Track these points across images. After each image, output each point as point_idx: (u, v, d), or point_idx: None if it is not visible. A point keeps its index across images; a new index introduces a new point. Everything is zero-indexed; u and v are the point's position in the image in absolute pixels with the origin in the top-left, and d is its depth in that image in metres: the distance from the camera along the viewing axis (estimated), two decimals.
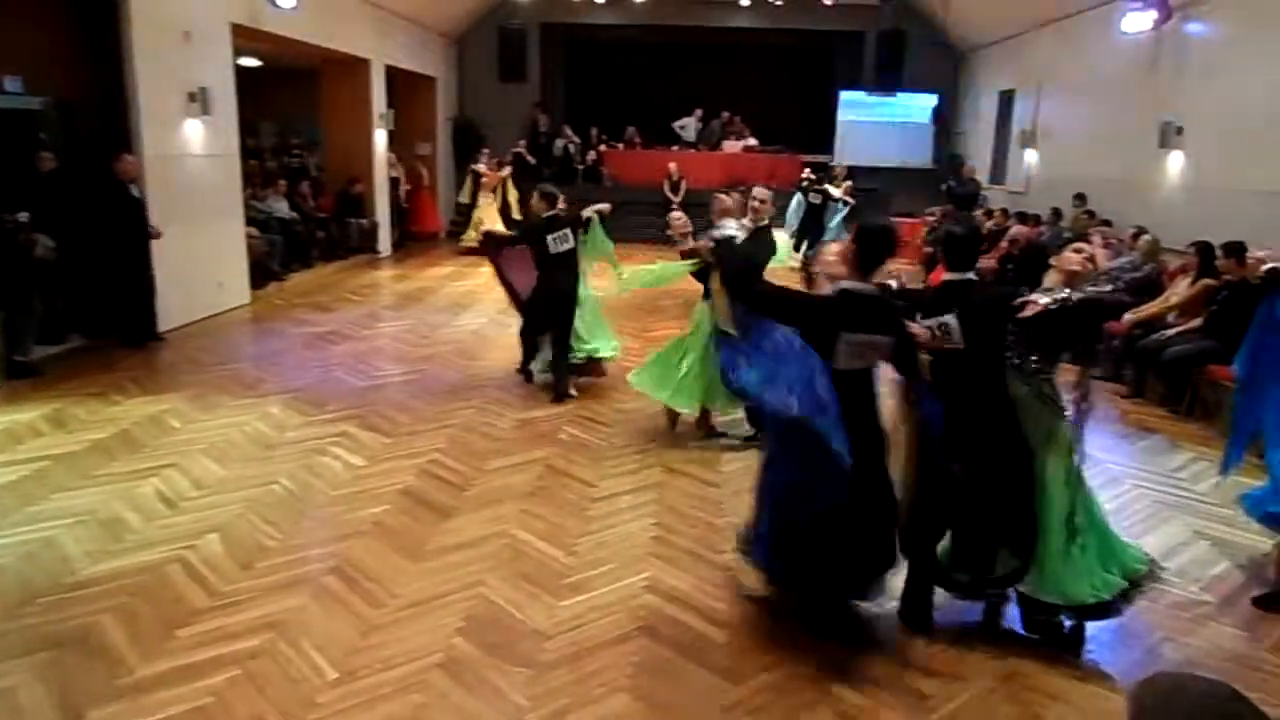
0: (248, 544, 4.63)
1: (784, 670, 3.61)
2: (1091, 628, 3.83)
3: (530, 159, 17.75)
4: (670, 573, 4.42)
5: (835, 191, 14.87)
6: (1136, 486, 5.75)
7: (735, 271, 4.32)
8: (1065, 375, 3.86)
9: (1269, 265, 4.19)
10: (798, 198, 14.52)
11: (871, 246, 3.67)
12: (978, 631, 3.90)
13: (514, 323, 7.97)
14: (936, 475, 3.74)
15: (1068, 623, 3.76)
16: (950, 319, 3.61)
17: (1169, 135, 10.26)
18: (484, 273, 13.28)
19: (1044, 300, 3.54)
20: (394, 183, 15.65)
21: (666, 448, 6.20)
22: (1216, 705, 1.24)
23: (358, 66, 14.03)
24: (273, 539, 4.70)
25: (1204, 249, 7.82)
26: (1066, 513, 3.66)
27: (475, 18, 18.31)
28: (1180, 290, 8.10)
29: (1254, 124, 8.83)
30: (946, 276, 3.79)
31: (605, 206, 7.46)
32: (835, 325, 3.60)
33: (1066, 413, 3.77)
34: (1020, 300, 3.57)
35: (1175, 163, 10.35)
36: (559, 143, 18.48)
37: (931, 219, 14.96)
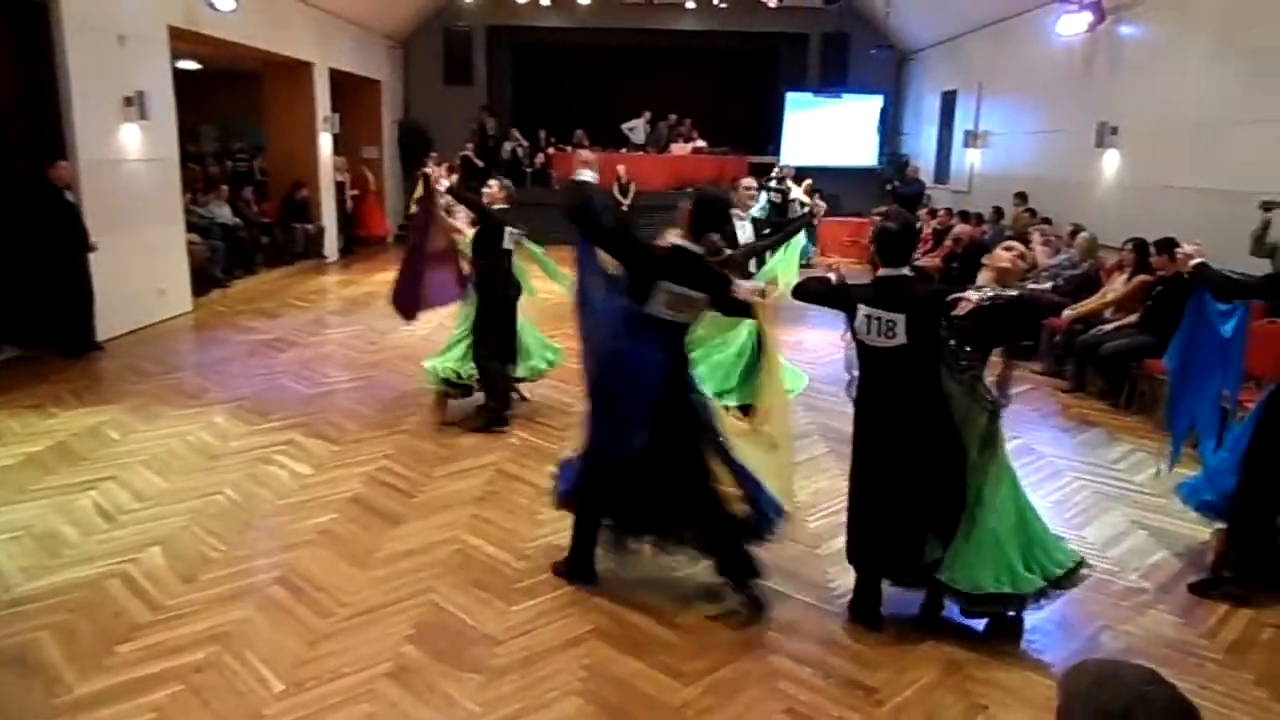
0: (191, 556, 4.54)
1: (733, 668, 3.63)
2: (1035, 618, 3.91)
3: (478, 162, 17.64)
4: (621, 575, 4.41)
5: (796, 190, 15.28)
6: (1077, 479, 5.87)
7: (579, 206, 4.42)
8: (993, 368, 3.94)
9: (1196, 260, 4.30)
10: (763, 196, 14.80)
11: (706, 213, 4.12)
12: (921, 624, 3.96)
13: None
14: (874, 474, 3.81)
15: (1009, 612, 3.83)
16: (899, 318, 3.66)
17: (1105, 135, 10.51)
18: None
19: (975, 297, 3.60)
20: (340, 187, 15.47)
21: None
22: (1137, 688, 1.28)
23: (300, 69, 13.85)
24: (217, 550, 4.62)
25: (1139, 245, 8.02)
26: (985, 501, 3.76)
27: (420, 20, 18.17)
28: (1117, 286, 8.29)
29: (1184, 123, 9.09)
30: (882, 272, 3.84)
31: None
32: (659, 273, 3.97)
33: (997, 409, 3.83)
34: (953, 297, 3.63)
35: (1111, 162, 10.61)
36: (507, 145, 18.41)
37: (878, 219, 15.20)
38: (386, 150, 17.57)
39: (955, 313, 3.60)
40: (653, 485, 4.07)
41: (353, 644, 3.76)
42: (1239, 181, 7.81)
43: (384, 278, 13.23)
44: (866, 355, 3.84)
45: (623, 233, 4.29)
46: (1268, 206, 6.59)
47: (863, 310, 3.75)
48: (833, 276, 4.04)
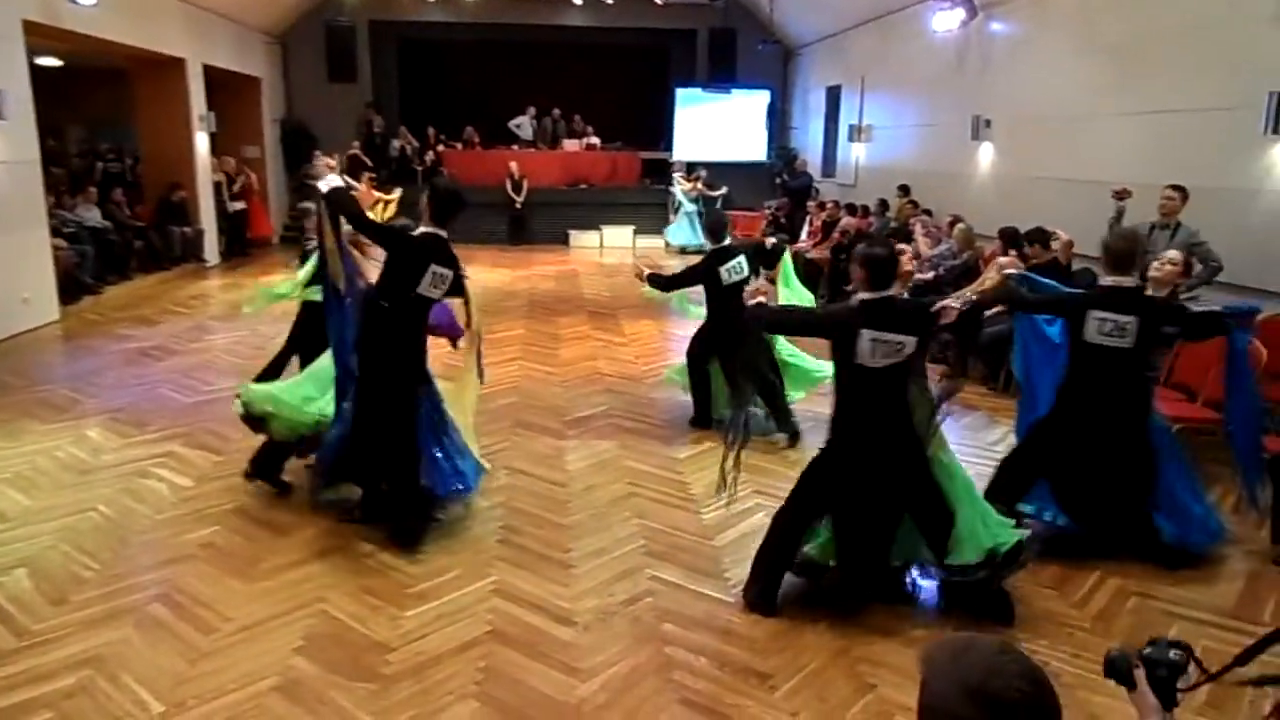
0: (60, 577, 4.31)
1: (629, 663, 3.65)
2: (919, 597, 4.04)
3: (367, 160, 17.26)
4: (517, 575, 4.39)
5: (681, 187, 15.59)
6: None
7: (336, 198, 4.56)
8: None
9: (1009, 270, 4.49)
10: (678, 191, 16.41)
11: (443, 202, 4.66)
12: (816, 609, 4.05)
13: None
14: (859, 492, 3.94)
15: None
16: (908, 339, 3.80)
17: (979, 128, 10.93)
18: None
19: (956, 304, 3.78)
20: (218, 188, 14.90)
21: (512, 449, 6.15)
22: (991, 658, 1.34)
23: (172, 66, 13.28)
24: (90, 570, 4.40)
25: (1011, 235, 8.35)
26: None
27: (299, 15, 17.62)
28: (993, 275, 8.59)
29: (1050, 117, 9.51)
30: (870, 295, 3.86)
31: None
32: (422, 257, 4.51)
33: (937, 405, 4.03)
34: (938, 306, 3.80)
35: (986, 154, 11.04)
36: (395, 143, 18.04)
37: (769, 211, 15.47)
38: (269, 149, 17.01)
39: (945, 320, 3.78)
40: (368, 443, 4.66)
41: (238, 659, 3.64)
42: (1100, 172, 8.21)
43: (270, 281, 12.86)
44: (858, 377, 3.86)
45: (375, 225, 4.73)
46: (1120, 195, 6.96)
47: (867, 335, 3.76)
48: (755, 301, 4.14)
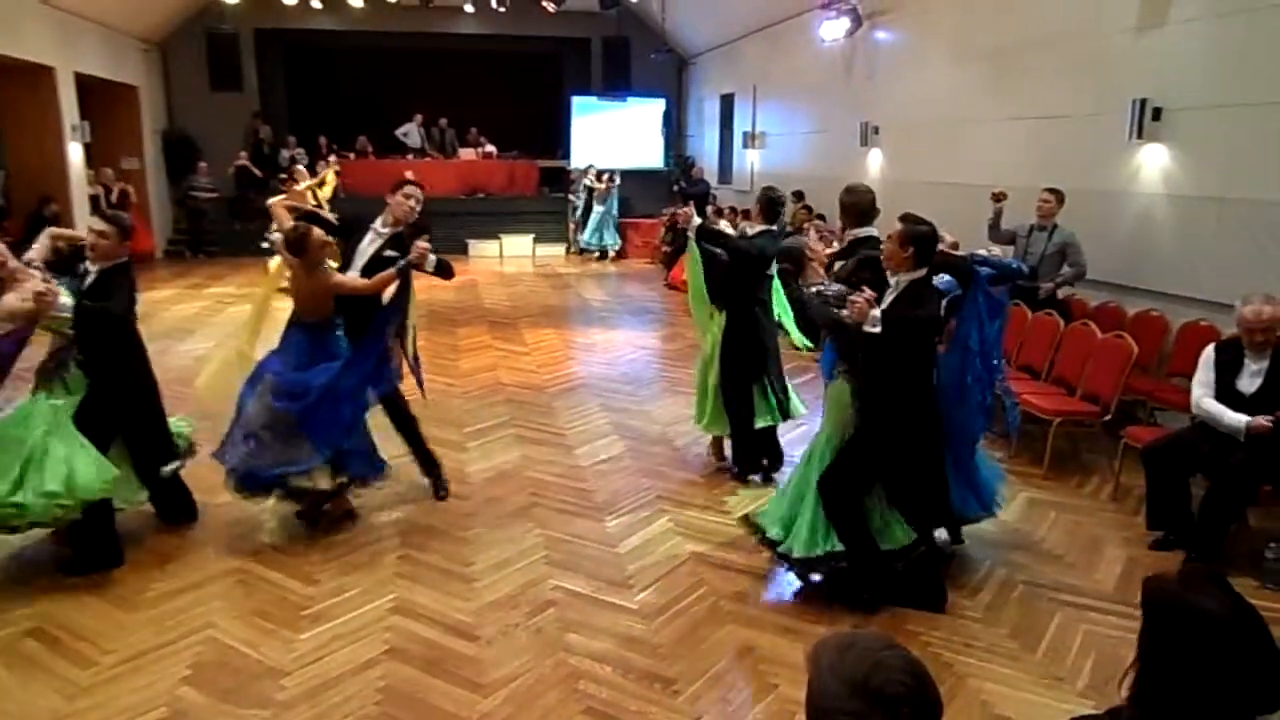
0: None
1: (533, 675, 3.61)
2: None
3: (257, 171, 16.78)
4: (417, 591, 4.30)
5: (596, 188, 16.06)
6: None
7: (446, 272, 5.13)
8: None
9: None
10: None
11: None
12: (721, 614, 4.08)
13: None
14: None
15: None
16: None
17: (868, 134, 11.23)
18: (210, 294, 12.44)
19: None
20: (95, 201, 14.24)
21: (412, 464, 6.02)
22: (875, 653, 1.38)
23: (39, 74, 12.61)
24: None
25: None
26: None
27: (178, 21, 16.99)
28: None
29: (933, 122, 9.84)
30: (920, 274, 4.09)
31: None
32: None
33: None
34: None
35: (875, 159, 11.34)
36: (285, 154, 17.54)
37: (667, 218, 15.57)
38: (150, 161, 16.33)
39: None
40: None
41: (119, 693, 3.46)
42: (980, 175, 8.53)
43: (152, 296, 12.36)
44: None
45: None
46: (997, 198, 7.25)
47: None
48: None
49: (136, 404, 4.68)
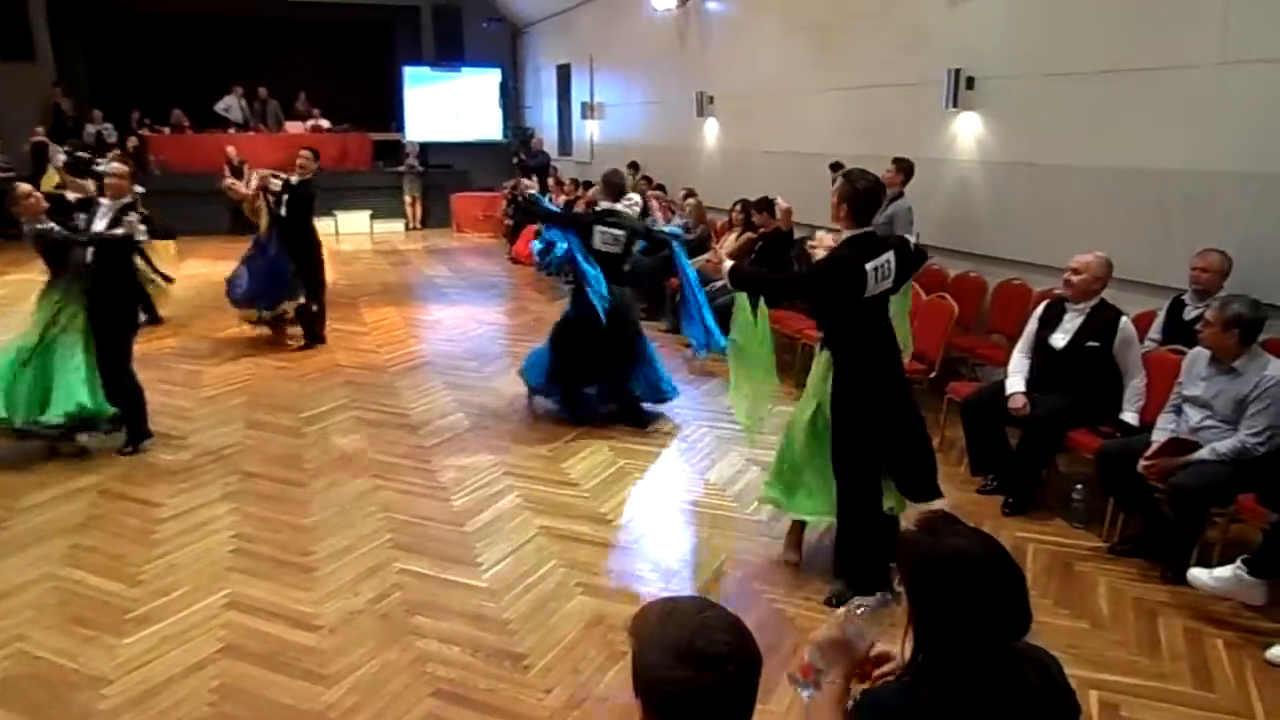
0: None
1: (379, 661, 3.51)
2: (667, 565, 4.16)
3: (60, 149, 15.47)
4: (253, 584, 4.11)
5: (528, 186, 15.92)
6: (700, 426, 6.32)
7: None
8: None
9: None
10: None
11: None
12: (571, 586, 4.07)
13: None
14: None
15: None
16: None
17: (704, 104, 11.37)
18: (10, 281, 11.45)
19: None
20: None
21: (244, 452, 5.76)
22: (695, 616, 1.41)
23: None
24: None
25: (745, 205, 8.77)
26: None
27: None
28: (728, 244, 9.01)
29: (765, 93, 10.05)
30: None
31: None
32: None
33: None
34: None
35: (711, 129, 11.51)
36: (90, 128, 16.26)
37: (508, 191, 15.37)
38: None
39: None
40: None
41: None
42: (811, 144, 8.80)
43: None
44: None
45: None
46: (835, 168, 7.41)
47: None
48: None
49: None
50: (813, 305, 4.17)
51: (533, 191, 7.16)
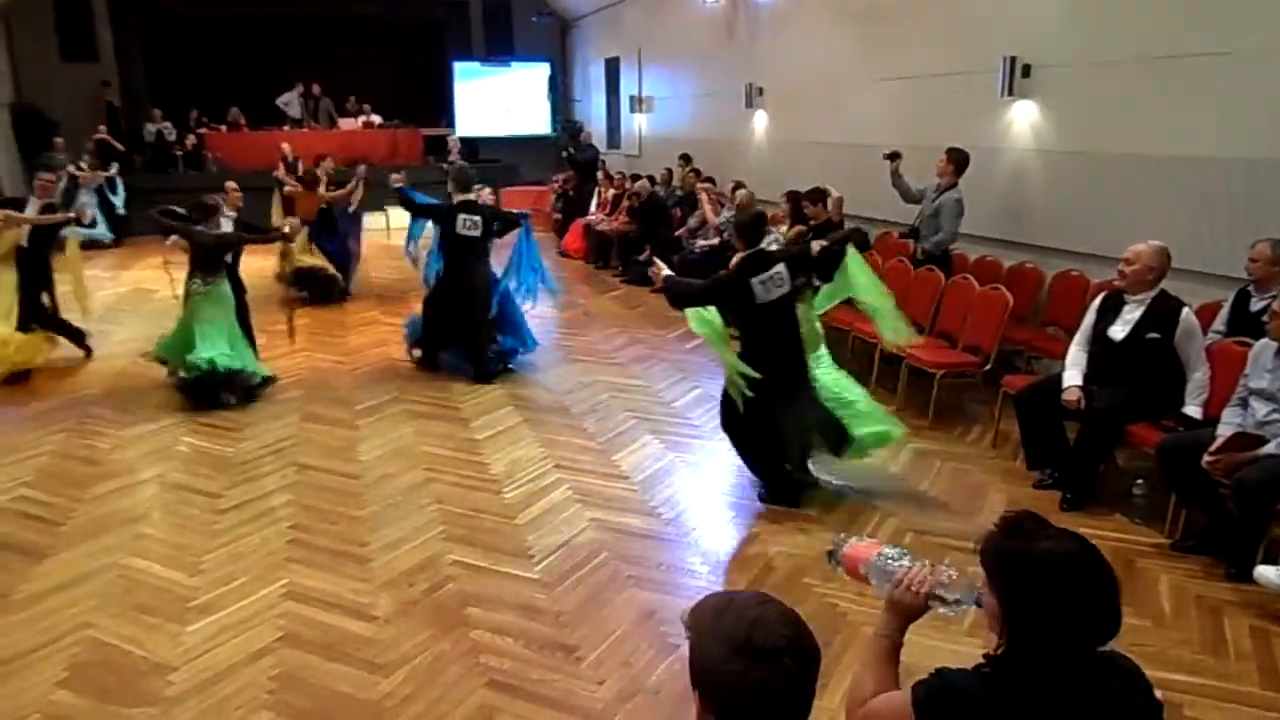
0: None
1: (433, 652, 3.55)
2: (717, 558, 4.16)
3: (118, 145, 15.86)
4: (310, 575, 4.18)
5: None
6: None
7: None
8: None
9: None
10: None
11: None
12: (622, 578, 4.08)
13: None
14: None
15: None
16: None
17: (753, 96, 11.30)
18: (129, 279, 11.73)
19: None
20: None
21: (301, 445, 5.86)
22: (752, 610, 1.40)
23: None
24: None
25: (794, 197, 8.68)
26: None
27: None
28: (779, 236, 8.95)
29: (815, 84, 9.95)
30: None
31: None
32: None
33: None
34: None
35: (760, 121, 11.43)
36: (150, 127, 16.63)
37: (557, 185, 15.42)
38: None
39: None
40: None
41: None
42: (862, 135, 8.69)
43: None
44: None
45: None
46: (891, 157, 7.29)
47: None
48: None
49: None
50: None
51: (400, 185, 7.47)
